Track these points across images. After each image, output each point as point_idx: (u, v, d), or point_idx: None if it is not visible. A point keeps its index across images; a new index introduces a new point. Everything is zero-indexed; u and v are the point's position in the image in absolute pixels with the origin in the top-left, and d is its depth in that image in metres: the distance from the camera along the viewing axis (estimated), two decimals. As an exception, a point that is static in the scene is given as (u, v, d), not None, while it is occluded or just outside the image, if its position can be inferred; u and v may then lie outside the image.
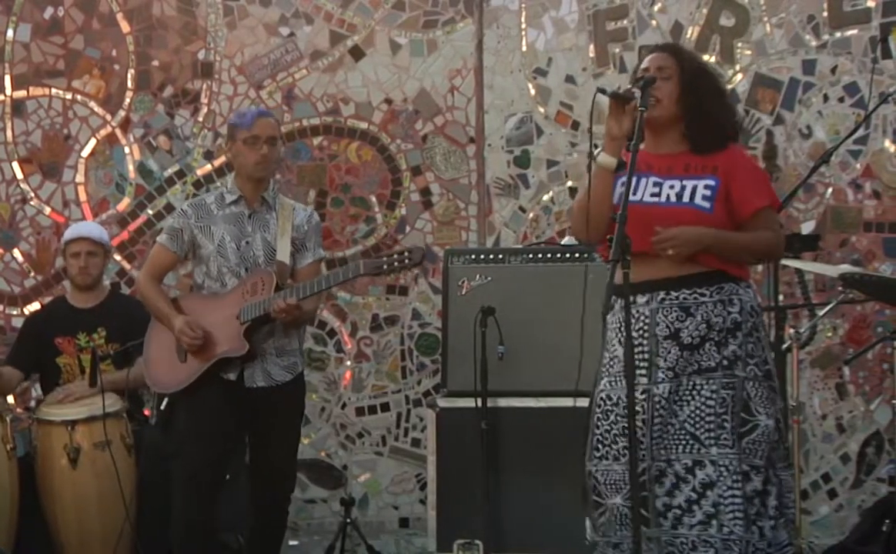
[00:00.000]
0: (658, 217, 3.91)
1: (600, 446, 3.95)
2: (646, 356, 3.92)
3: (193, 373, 4.81)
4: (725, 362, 3.89)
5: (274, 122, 4.96)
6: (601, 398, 3.95)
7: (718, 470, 3.84)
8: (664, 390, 3.89)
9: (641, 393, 3.88)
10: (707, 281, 3.91)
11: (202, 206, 4.95)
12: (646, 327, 3.93)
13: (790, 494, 4.00)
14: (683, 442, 3.88)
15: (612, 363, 3.96)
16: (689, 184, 3.94)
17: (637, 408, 3.80)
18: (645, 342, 3.92)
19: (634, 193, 3.92)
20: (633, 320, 3.90)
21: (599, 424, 3.95)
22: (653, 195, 3.96)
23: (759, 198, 3.97)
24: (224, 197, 4.94)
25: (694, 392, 3.89)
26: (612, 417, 3.92)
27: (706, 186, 3.93)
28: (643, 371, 3.91)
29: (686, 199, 3.93)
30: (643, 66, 4.05)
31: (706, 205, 3.91)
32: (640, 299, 3.94)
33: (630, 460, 3.63)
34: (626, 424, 3.78)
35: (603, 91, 4.00)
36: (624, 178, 3.85)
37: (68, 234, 5.72)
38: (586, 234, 4.02)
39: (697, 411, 3.88)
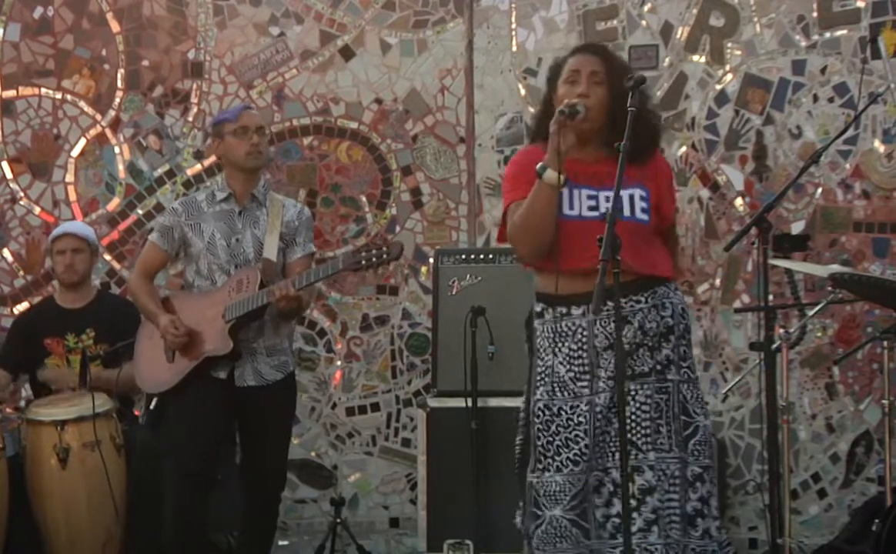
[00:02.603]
0: (599, 231, 3.67)
1: (542, 458, 3.86)
2: (586, 368, 3.86)
3: (181, 372, 4.81)
4: (658, 367, 3.84)
5: (258, 114, 5.04)
6: (539, 409, 3.88)
7: (657, 475, 3.80)
8: (605, 400, 3.83)
9: (585, 405, 3.84)
10: (642, 287, 3.84)
11: (192, 203, 4.96)
12: (584, 339, 3.86)
13: None
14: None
15: (546, 373, 3.88)
16: (625, 194, 3.83)
17: (580, 419, 3.81)
18: (585, 354, 3.86)
19: (571, 208, 3.84)
20: (569, 332, 3.87)
21: (540, 435, 3.87)
22: (590, 208, 3.86)
23: (672, 204, 4.05)
24: (214, 195, 4.94)
25: (629, 398, 3.82)
26: (552, 428, 3.85)
27: (641, 197, 3.87)
28: (584, 383, 3.85)
29: (627, 211, 3.84)
30: (572, 67, 3.92)
31: (644, 217, 3.86)
32: (576, 311, 3.87)
33: (622, 465, 3.58)
34: (568, 435, 3.80)
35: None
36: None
37: (54, 231, 5.74)
38: (532, 254, 3.89)
39: (633, 417, 3.82)
